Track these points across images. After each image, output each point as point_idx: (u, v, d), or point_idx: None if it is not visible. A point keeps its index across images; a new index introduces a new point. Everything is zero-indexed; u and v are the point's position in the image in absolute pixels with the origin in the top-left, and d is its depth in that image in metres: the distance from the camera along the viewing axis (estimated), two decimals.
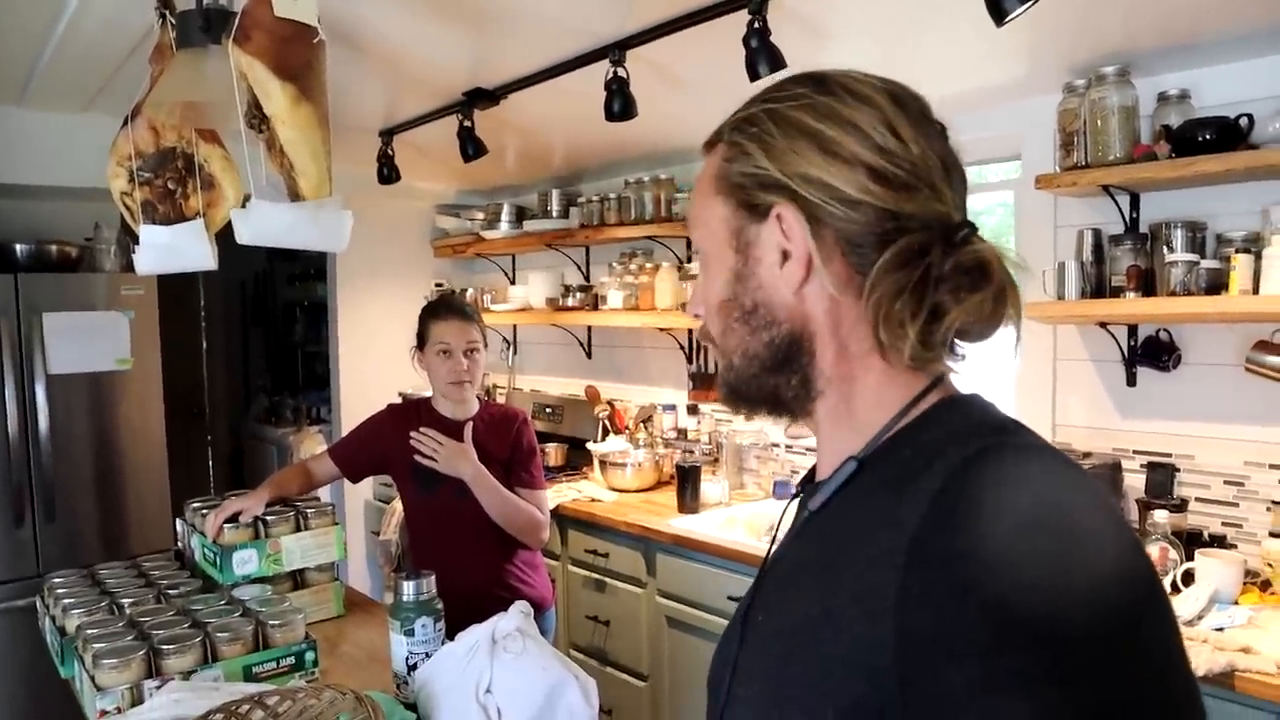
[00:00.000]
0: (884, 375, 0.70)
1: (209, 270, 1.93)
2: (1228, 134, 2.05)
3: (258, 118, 1.30)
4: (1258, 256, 2.04)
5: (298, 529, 2.05)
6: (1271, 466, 2.23)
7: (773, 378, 0.74)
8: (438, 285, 4.68)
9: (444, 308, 2.42)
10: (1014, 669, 0.51)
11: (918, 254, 0.66)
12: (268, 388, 6.22)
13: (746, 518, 3.15)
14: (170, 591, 1.91)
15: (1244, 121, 2.05)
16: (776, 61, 2.07)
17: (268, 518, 2.02)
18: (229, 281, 6.09)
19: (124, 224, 2.44)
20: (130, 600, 1.85)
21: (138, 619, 1.71)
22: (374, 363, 4.46)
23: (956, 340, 0.69)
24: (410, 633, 1.54)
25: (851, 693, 0.59)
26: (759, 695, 0.69)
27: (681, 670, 2.94)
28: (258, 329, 6.45)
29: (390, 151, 3.29)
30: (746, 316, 0.73)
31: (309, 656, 1.70)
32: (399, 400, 4.08)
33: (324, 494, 4.45)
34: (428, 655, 1.53)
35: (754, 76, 2.10)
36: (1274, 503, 2.19)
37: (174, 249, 1.84)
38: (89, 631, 1.65)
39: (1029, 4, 1.59)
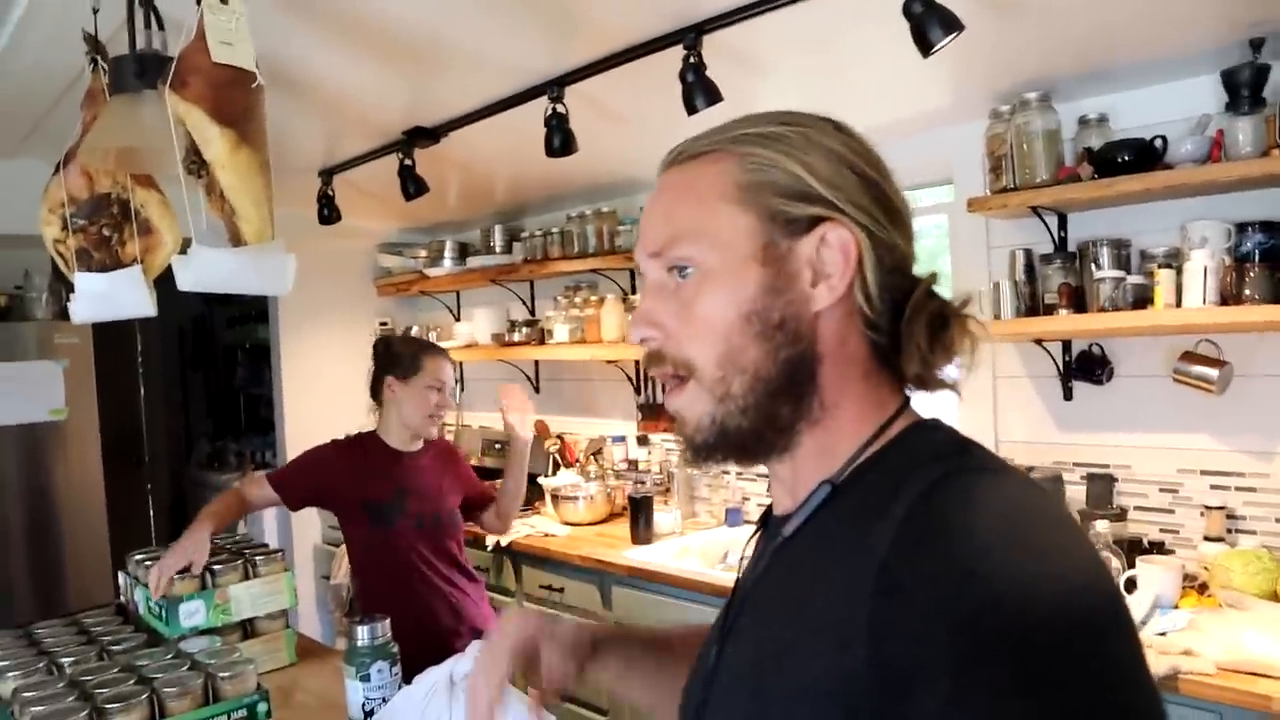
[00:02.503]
0: (864, 400, 0.71)
1: (148, 317, 1.90)
2: (1145, 155, 2.14)
3: (196, 163, 1.29)
4: (1179, 271, 2.13)
5: (246, 577, 2.00)
6: (1203, 473, 2.31)
7: (772, 405, 0.70)
8: (382, 324, 4.63)
9: (440, 349, 2.54)
10: (982, 683, 0.52)
11: (931, 293, 0.72)
12: (209, 433, 6.08)
13: (700, 546, 3.16)
14: (113, 648, 1.84)
15: (1159, 143, 2.15)
16: (713, 95, 2.12)
17: (214, 567, 1.97)
18: (167, 326, 5.96)
19: (56, 271, 2.38)
20: (70, 659, 1.78)
21: (78, 678, 1.65)
22: (319, 404, 4.39)
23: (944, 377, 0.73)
24: (366, 678, 1.51)
25: None
26: None
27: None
28: (197, 374, 6.32)
29: (330, 191, 3.28)
30: (771, 332, 0.69)
31: (261, 708, 1.66)
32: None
33: (273, 539, 4.38)
34: (385, 700, 1.50)
35: (691, 110, 2.14)
36: (1207, 508, 2.26)
37: (111, 296, 1.80)
38: (26, 694, 1.58)
39: (952, 36, 1.66)
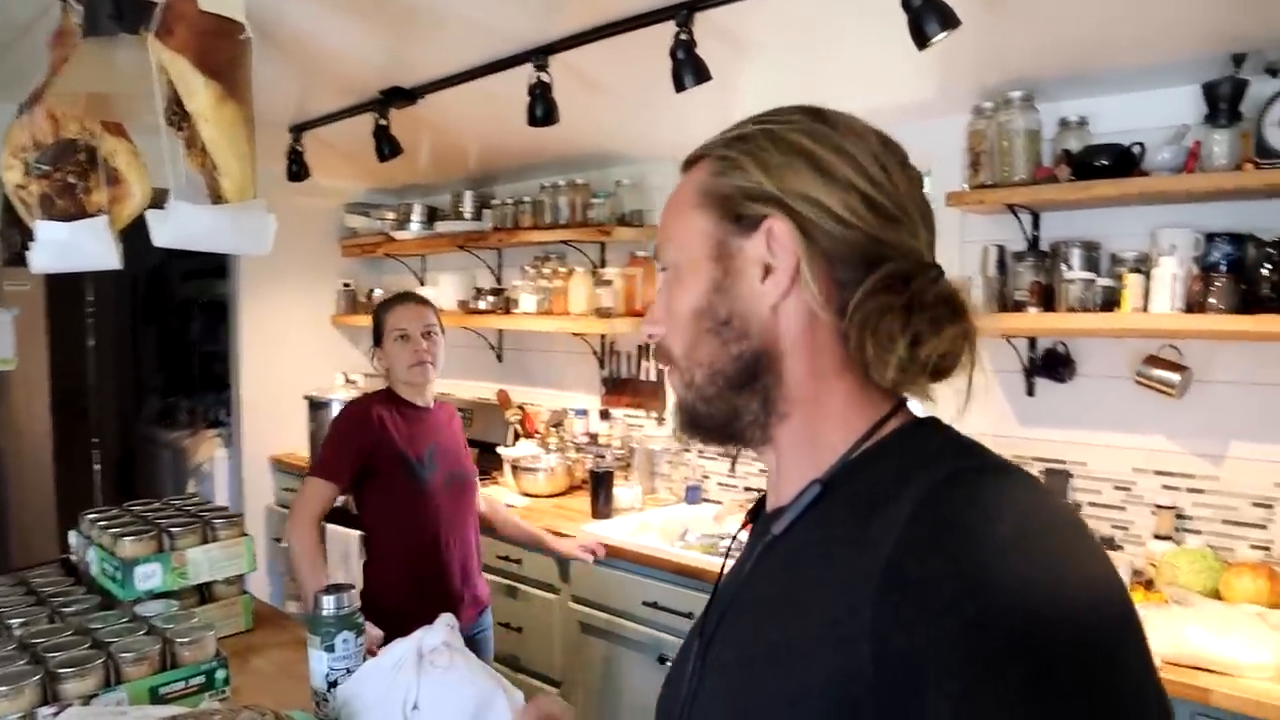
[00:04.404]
0: (849, 398, 0.71)
1: (108, 269, 1.84)
2: (1123, 160, 2.17)
3: (178, 114, 1.24)
4: (1148, 276, 2.17)
5: (205, 540, 1.96)
6: (1156, 472, 2.37)
7: (734, 397, 0.73)
8: (345, 285, 4.56)
9: (396, 298, 2.50)
10: (994, 686, 0.52)
11: (902, 280, 0.68)
12: (161, 389, 5.93)
13: (660, 523, 3.17)
14: (65, 609, 1.80)
15: (1137, 149, 2.17)
16: (702, 73, 2.10)
17: (172, 529, 1.93)
18: (119, 277, 5.77)
19: (9, 218, 2.29)
20: (20, 620, 1.73)
21: (30, 640, 1.60)
22: (278, 363, 4.32)
23: (932, 376, 0.69)
24: (331, 648, 1.49)
25: (826, 719, 0.59)
26: None
27: (595, 677, 2.94)
28: (150, 327, 6.14)
29: (300, 148, 3.20)
30: (720, 328, 0.72)
31: (220, 675, 1.63)
32: (306, 400, 3.98)
33: (223, 500, 4.30)
34: (349, 671, 1.49)
35: (680, 87, 2.12)
36: (1158, 506, 2.33)
37: (73, 246, 1.73)
38: None
39: (949, 30, 1.66)
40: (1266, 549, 2.19)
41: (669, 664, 2.82)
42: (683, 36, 2.07)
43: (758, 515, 0.81)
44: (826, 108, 0.73)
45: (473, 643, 2.25)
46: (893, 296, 0.67)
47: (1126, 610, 0.56)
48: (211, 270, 5.42)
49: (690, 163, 0.77)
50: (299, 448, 4.23)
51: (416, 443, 2.35)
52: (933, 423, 0.71)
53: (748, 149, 0.72)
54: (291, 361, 4.33)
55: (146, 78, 1.30)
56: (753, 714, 0.65)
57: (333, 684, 1.49)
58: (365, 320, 4.47)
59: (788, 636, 0.64)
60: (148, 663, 1.57)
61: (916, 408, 0.73)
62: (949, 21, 1.66)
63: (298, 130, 3.19)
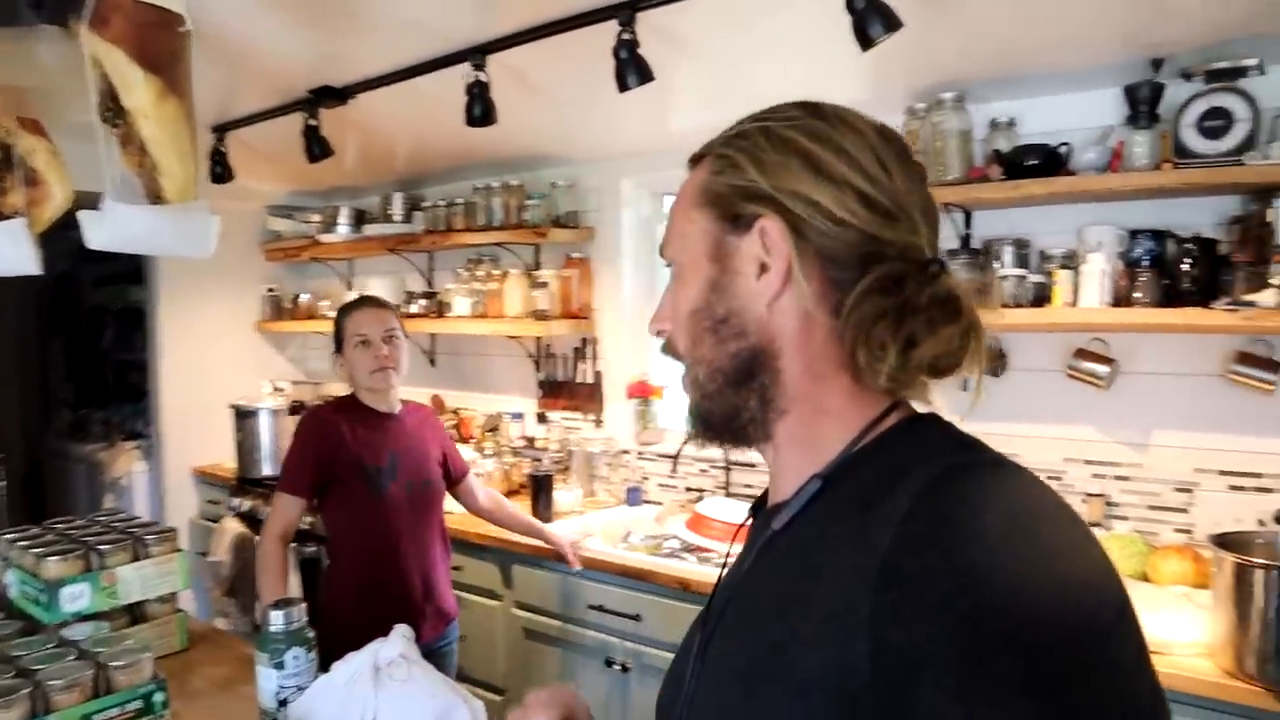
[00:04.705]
0: (848, 396, 0.71)
1: (26, 275, 1.74)
2: (1051, 160, 2.25)
3: (112, 110, 1.17)
4: (1076, 272, 2.25)
5: (136, 557, 1.87)
6: (1086, 462, 2.45)
7: (734, 394, 0.73)
8: (270, 290, 4.42)
9: (356, 302, 2.45)
10: (991, 680, 0.52)
11: (896, 282, 0.67)
12: (71, 401, 5.65)
13: (602, 526, 3.15)
14: None
15: (1064, 149, 2.25)
16: (645, 73, 2.09)
17: (101, 546, 1.84)
18: (23, 284, 5.49)
19: None
20: None
21: None
22: (201, 372, 4.16)
23: (931, 376, 0.69)
24: (280, 665, 1.44)
25: (822, 714, 0.59)
26: None
27: (540, 682, 2.90)
28: (59, 337, 5.85)
29: (223, 148, 3.08)
30: (717, 326, 0.73)
31: (159, 698, 1.55)
32: (232, 410, 3.85)
33: (142, 512, 4.12)
34: (300, 689, 1.44)
35: (623, 87, 2.11)
36: (1089, 495, 2.41)
37: None
38: None
39: (893, 32, 1.69)
40: (1189, 532, 2.28)
41: (616, 667, 2.80)
42: (625, 36, 2.06)
43: (759, 511, 0.80)
44: (825, 103, 0.73)
45: (436, 656, 2.22)
46: (886, 299, 0.67)
47: (1120, 604, 0.57)
48: (125, 276, 5.20)
49: (695, 160, 0.77)
50: (224, 459, 4.08)
51: (376, 450, 2.31)
52: (932, 418, 0.72)
53: (745, 147, 0.72)
54: (215, 370, 4.18)
55: (69, 72, 1.23)
56: (751, 710, 0.65)
57: (283, 702, 1.43)
58: (292, 326, 4.38)
59: (787, 632, 0.64)
60: (79, 689, 1.49)
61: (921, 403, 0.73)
62: (892, 23, 1.69)
63: (221, 130, 3.07)
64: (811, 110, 0.72)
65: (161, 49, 1.14)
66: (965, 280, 0.69)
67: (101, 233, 1.16)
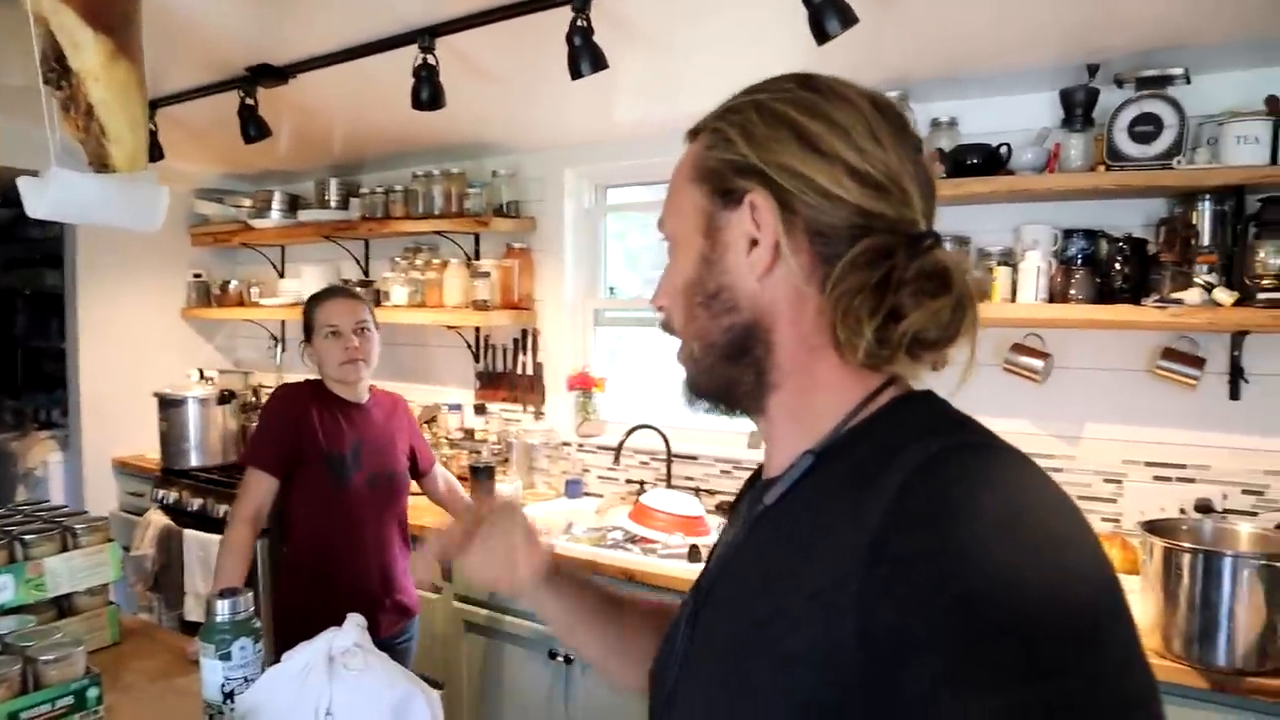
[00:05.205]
0: (840, 370, 0.70)
1: None
2: (991, 160, 2.31)
3: (56, 71, 1.11)
4: (1014, 269, 2.32)
5: (65, 548, 1.78)
6: None
7: (729, 368, 0.73)
8: (196, 275, 4.27)
9: (328, 292, 2.41)
10: (982, 665, 0.51)
11: (882, 255, 0.67)
12: None
13: (543, 517, 3.13)
14: None
15: (1004, 150, 2.32)
16: (599, 61, 2.09)
17: (25, 536, 1.75)
18: None
19: None
20: None
21: None
22: (123, 360, 4.00)
23: (921, 350, 0.68)
24: (226, 656, 1.39)
25: (808, 690, 0.59)
26: (709, 694, 0.69)
27: (482, 676, 2.87)
28: None
29: (153, 126, 2.96)
30: (709, 301, 0.73)
31: (92, 694, 1.48)
32: (156, 399, 3.71)
33: (59, 502, 3.94)
34: (247, 680, 1.39)
35: (575, 74, 2.10)
36: None
37: None
38: None
39: (849, 27, 1.71)
40: (1117, 521, 2.38)
41: (560, 659, 2.79)
42: (580, 23, 2.05)
43: (752, 485, 0.81)
44: (820, 75, 0.72)
45: (393, 651, 2.17)
46: (870, 273, 0.66)
47: (1113, 590, 0.56)
48: (39, 260, 4.96)
49: (693, 135, 0.77)
50: (148, 449, 3.93)
51: (341, 439, 2.27)
52: (927, 396, 0.72)
53: (737, 121, 0.72)
54: (138, 358, 4.02)
55: (1, 30, 1.16)
56: (739, 682, 0.64)
57: (229, 694, 1.39)
58: (219, 314, 4.24)
59: (776, 606, 0.63)
60: (5, 685, 1.41)
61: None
62: (848, 19, 1.71)
63: (152, 107, 2.95)
64: (805, 82, 0.72)
65: (113, 9, 1.08)
66: (953, 253, 0.68)
67: (43, 201, 1.10)
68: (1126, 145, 2.15)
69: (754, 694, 0.63)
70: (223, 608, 1.41)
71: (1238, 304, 2.00)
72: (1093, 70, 2.22)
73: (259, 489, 2.18)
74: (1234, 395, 2.20)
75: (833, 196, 0.68)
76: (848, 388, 0.70)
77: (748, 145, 0.70)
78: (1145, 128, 2.14)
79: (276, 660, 1.36)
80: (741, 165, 0.70)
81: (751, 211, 0.70)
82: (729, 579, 0.73)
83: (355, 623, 1.39)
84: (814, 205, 0.68)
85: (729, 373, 0.73)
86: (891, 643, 0.54)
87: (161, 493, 3.63)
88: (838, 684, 0.57)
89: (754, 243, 0.70)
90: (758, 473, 0.81)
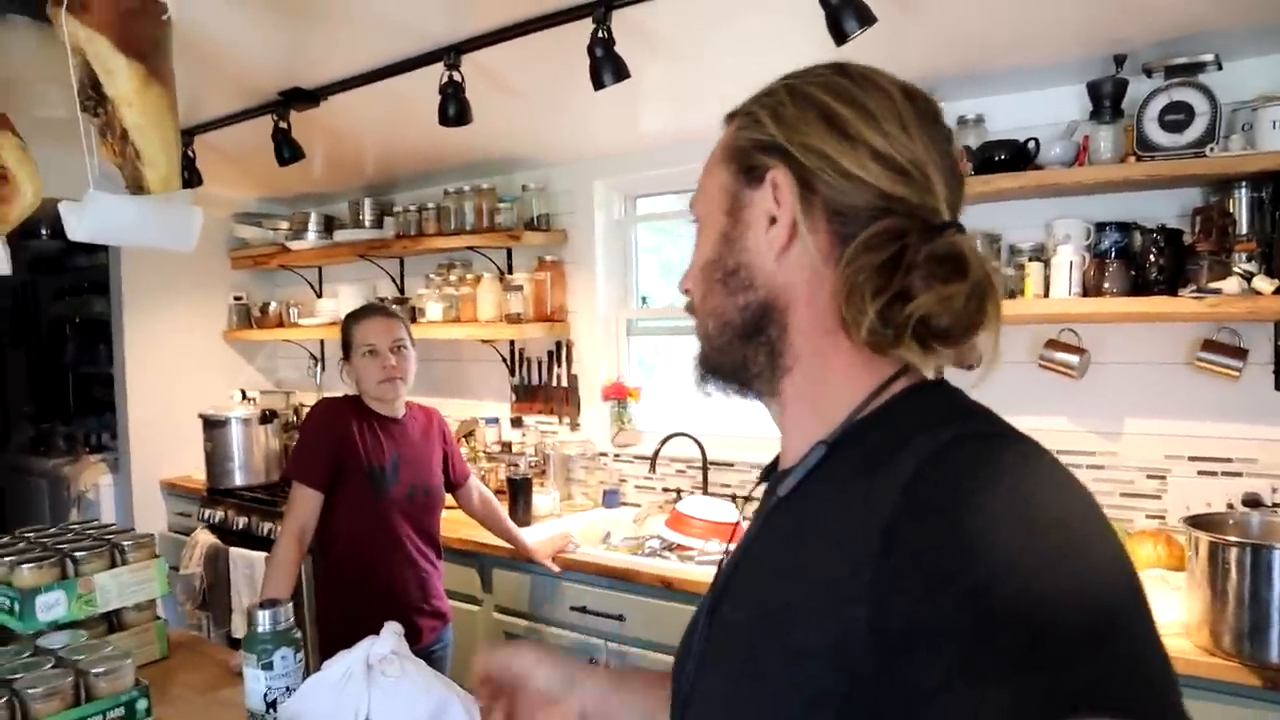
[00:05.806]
0: (852, 356, 0.69)
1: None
2: (1019, 155, 2.29)
3: (93, 99, 1.15)
4: (1046, 264, 2.29)
5: (114, 564, 1.83)
6: (1059, 452, 2.44)
7: (742, 347, 0.74)
8: (237, 298, 4.36)
9: (365, 310, 2.44)
10: (994, 655, 0.50)
11: (896, 237, 0.66)
12: (33, 415, 5.52)
13: (581, 528, 3.14)
14: None
15: (1032, 145, 2.29)
16: (621, 71, 2.11)
17: (77, 553, 1.80)
18: None
19: None
20: None
21: None
22: (168, 383, 4.09)
23: (935, 339, 0.65)
24: (269, 666, 1.42)
25: (821, 681, 0.58)
26: (725, 685, 0.69)
27: None
28: (17, 350, 5.72)
29: (191, 153, 3.04)
30: (727, 278, 0.73)
31: (141, 705, 1.52)
32: (201, 419, 3.78)
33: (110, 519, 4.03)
34: (289, 689, 1.42)
35: (598, 85, 2.12)
36: None
37: None
38: None
39: (866, 26, 1.71)
40: (1161, 517, 2.33)
41: (600, 668, 2.79)
42: (601, 34, 2.07)
43: (770, 475, 0.81)
44: (855, 64, 0.73)
45: (430, 658, 2.20)
46: (876, 255, 0.66)
47: (1129, 582, 0.54)
48: (87, 287, 5.10)
49: (730, 119, 0.78)
50: (194, 470, 4.01)
51: (381, 452, 2.31)
52: (941, 385, 0.71)
53: (768, 103, 0.73)
54: (182, 380, 4.11)
55: (43, 64, 1.21)
56: (754, 672, 0.64)
57: (272, 703, 1.41)
58: (260, 335, 4.32)
59: (790, 596, 0.63)
60: (59, 698, 1.46)
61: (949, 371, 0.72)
62: (866, 18, 1.71)
63: (189, 134, 3.03)
64: (839, 69, 0.73)
65: (144, 36, 1.12)
66: (971, 241, 0.67)
67: (84, 224, 1.14)
68: (1157, 135, 2.12)
69: (766, 685, 0.63)
70: (264, 618, 1.44)
71: (1278, 292, 1.96)
72: (1120, 61, 2.19)
73: (305, 505, 2.21)
74: (1279, 386, 2.15)
75: (853, 177, 0.68)
76: (861, 375, 0.70)
77: (775, 125, 0.71)
78: (1176, 116, 2.10)
79: (317, 669, 1.38)
80: (767, 144, 0.71)
81: (773, 190, 0.71)
82: (744, 572, 0.73)
83: (393, 630, 1.41)
84: (834, 185, 0.68)
85: (742, 351, 0.74)
86: (904, 632, 0.54)
87: (208, 512, 3.70)
88: (849, 673, 0.57)
89: (772, 220, 0.71)
90: (773, 464, 0.81)
